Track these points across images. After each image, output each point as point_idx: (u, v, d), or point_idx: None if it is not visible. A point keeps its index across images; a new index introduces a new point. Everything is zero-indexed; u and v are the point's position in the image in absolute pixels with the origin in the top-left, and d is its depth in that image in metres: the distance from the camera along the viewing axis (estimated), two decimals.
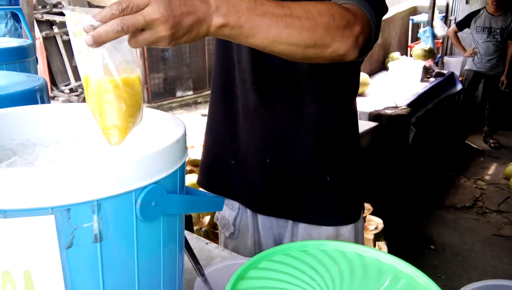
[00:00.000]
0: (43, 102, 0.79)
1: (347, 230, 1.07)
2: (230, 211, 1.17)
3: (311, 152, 1.02)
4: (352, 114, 1.07)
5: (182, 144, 0.56)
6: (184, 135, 0.57)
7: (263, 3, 0.67)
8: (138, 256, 0.52)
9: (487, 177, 4.06)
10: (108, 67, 0.55)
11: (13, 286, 0.46)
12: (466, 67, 4.77)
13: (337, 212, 1.06)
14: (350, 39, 0.74)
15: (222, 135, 1.10)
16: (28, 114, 0.67)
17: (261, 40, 0.68)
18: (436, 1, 5.38)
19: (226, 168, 1.11)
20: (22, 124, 0.65)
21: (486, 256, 2.83)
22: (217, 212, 1.24)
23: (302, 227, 1.08)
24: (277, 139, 1.02)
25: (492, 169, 4.26)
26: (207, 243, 1.14)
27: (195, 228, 2.20)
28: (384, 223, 2.38)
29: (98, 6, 4.31)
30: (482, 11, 4.53)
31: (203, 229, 2.15)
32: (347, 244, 0.69)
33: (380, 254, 0.66)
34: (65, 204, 0.44)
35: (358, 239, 1.10)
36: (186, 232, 1.17)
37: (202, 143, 1.18)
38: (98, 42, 0.53)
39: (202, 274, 0.75)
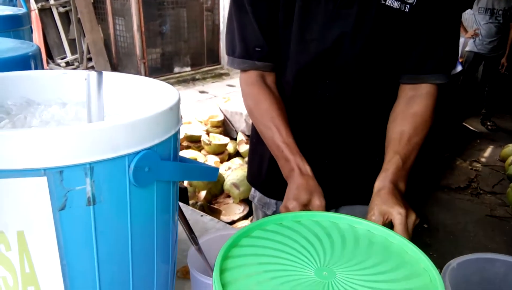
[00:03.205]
0: (36, 68, 0.78)
1: None
2: None
3: (365, 143, 1.08)
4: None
5: (176, 111, 0.56)
6: (178, 103, 0.57)
7: (409, 158, 0.92)
8: (132, 221, 0.52)
9: (482, 159, 4.09)
10: None
11: (7, 246, 0.46)
12: (467, 49, 4.74)
13: None
14: None
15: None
16: (22, 78, 0.66)
17: None
18: None
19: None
20: (17, 88, 0.65)
21: (479, 236, 2.87)
22: (252, 191, 1.27)
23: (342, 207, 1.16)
24: (336, 141, 1.07)
25: (488, 151, 4.29)
26: (202, 215, 1.15)
27: (191, 202, 2.22)
28: None
29: None
30: None
31: (199, 203, 2.17)
32: (340, 215, 0.69)
33: (372, 225, 0.67)
34: (58, 166, 0.44)
35: None
36: (182, 204, 1.18)
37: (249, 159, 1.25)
38: None
39: (196, 243, 0.76)
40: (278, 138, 0.94)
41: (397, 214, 0.79)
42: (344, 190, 1.13)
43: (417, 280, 0.56)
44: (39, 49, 0.82)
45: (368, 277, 0.56)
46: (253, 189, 1.27)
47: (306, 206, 0.85)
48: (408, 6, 0.92)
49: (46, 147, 0.43)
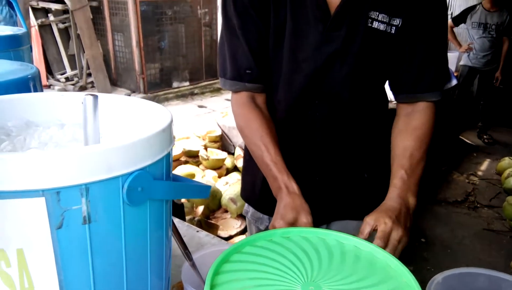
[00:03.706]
0: (35, 90, 0.81)
1: None
2: None
3: (354, 160, 1.11)
4: (386, 116, 1.17)
5: (168, 133, 0.59)
6: (170, 125, 0.60)
7: (415, 171, 0.96)
8: (126, 238, 0.54)
9: (479, 173, 4.11)
10: None
11: (7, 263, 0.48)
12: (461, 63, 4.80)
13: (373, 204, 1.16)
14: None
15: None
16: (22, 101, 0.69)
17: None
18: None
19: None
20: (16, 110, 0.68)
21: (476, 249, 2.88)
22: (246, 206, 1.30)
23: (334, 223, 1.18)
24: (326, 159, 1.10)
25: (485, 164, 4.31)
26: (197, 231, 1.17)
27: (188, 217, 2.23)
28: None
29: None
30: (478, 6, 4.54)
31: (196, 218, 2.19)
32: (328, 231, 0.72)
33: (359, 241, 0.69)
34: (55, 187, 0.46)
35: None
36: (177, 220, 1.20)
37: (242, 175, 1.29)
38: None
39: (190, 259, 0.78)
40: (267, 157, 0.97)
41: (382, 223, 0.84)
42: (335, 205, 1.15)
43: None
44: (38, 71, 0.85)
45: None
46: (246, 204, 1.30)
47: (293, 225, 0.87)
48: (394, 28, 0.96)
49: (44, 169, 0.45)
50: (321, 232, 0.72)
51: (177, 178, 0.65)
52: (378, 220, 0.84)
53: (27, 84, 0.77)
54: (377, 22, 0.95)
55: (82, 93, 0.62)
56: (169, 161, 0.60)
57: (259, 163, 1.01)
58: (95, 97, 0.57)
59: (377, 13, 0.95)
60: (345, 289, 0.58)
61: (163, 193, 0.58)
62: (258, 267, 0.62)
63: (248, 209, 1.28)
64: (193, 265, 0.78)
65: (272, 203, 1.12)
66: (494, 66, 4.57)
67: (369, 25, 0.95)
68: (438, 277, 0.71)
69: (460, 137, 4.98)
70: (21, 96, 0.69)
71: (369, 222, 0.85)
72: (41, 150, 0.59)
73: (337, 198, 1.14)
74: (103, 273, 0.53)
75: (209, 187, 0.69)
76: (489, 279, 0.73)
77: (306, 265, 0.63)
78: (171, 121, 0.60)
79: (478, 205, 3.48)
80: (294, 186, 0.93)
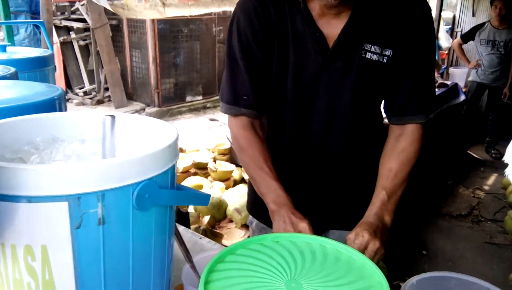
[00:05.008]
0: (60, 109, 0.92)
1: None
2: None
3: (353, 177, 1.21)
4: (381, 131, 1.25)
5: (174, 148, 0.69)
6: (176, 141, 0.70)
7: (395, 193, 1.07)
8: (134, 239, 0.64)
9: (485, 187, 4.13)
10: None
11: (33, 257, 0.57)
12: (470, 79, 4.85)
13: None
14: None
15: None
16: (49, 119, 0.80)
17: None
18: (443, 13, 5.47)
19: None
20: (44, 127, 0.78)
21: (477, 263, 2.90)
22: (250, 217, 1.40)
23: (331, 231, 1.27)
24: (327, 180, 1.20)
25: (491, 179, 4.32)
26: (200, 238, 1.26)
27: (194, 226, 2.32)
28: None
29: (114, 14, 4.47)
30: (486, 24, 4.60)
31: (202, 227, 2.28)
32: (314, 236, 0.80)
33: (340, 245, 0.78)
34: (76, 193, 0.56)
35: None
36: (182, 228, 1.30)
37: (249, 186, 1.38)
38: None
39: (190, 260, 0.87)
40: (272, 178, 1.08)
41: (360, 237, 0.95)
42: (333, 217, 1.25)
43: None
44: (63, 93, 0.96)
45: (331, 288, 0.66)
46: (250, 215, 1.39)
47: None
48: (386, 58, 1.06)
49: (67, 178, 0.55)
50: (307, 237, 0.80)
51: (180, 187, 0.75)
52: (357, 234, 0.95)
53: (54, 104, 0.88)
54: (370, 53, 1.06)
55: (102, 113, 0.72)
56: (173, 172, 0.70)
57: (261, 183, 1.10)
58: (113, 117, 0.67)
59: (370, 45, 1.05)
60: (324, 286, 0.67)
61: (167, 199, 0.67)
62: (248, 267, 0.71)
63: (253, 220, 1.38)
64: (193, 267, 0.87)
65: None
66: (503, 82, 4.60)
67: (363, 56, 1.06)
68: (413, 280, 0.79)
69: (468, 151, 5.00)
70: (49, 115, 0.80)
71: (350, 238, 0.95)
72: (65, 162, 0.70)
73: (336, 211, 1.24)
74: (112, 268, 0.63)
75: (208, 195, 0.78)
76: (460, 282, 0.80)
77: (291, 265, 0.72)
78: (177, 138, 0.70)
79: (482, 219, 3.50)
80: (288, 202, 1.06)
